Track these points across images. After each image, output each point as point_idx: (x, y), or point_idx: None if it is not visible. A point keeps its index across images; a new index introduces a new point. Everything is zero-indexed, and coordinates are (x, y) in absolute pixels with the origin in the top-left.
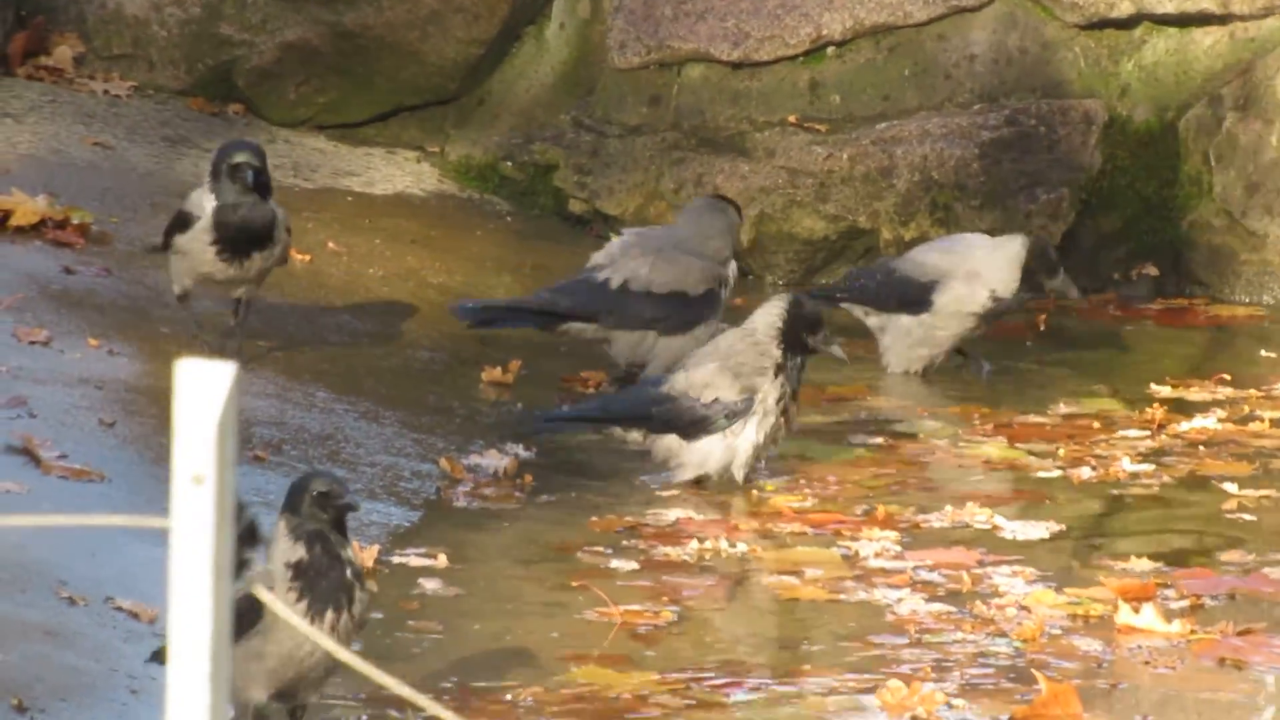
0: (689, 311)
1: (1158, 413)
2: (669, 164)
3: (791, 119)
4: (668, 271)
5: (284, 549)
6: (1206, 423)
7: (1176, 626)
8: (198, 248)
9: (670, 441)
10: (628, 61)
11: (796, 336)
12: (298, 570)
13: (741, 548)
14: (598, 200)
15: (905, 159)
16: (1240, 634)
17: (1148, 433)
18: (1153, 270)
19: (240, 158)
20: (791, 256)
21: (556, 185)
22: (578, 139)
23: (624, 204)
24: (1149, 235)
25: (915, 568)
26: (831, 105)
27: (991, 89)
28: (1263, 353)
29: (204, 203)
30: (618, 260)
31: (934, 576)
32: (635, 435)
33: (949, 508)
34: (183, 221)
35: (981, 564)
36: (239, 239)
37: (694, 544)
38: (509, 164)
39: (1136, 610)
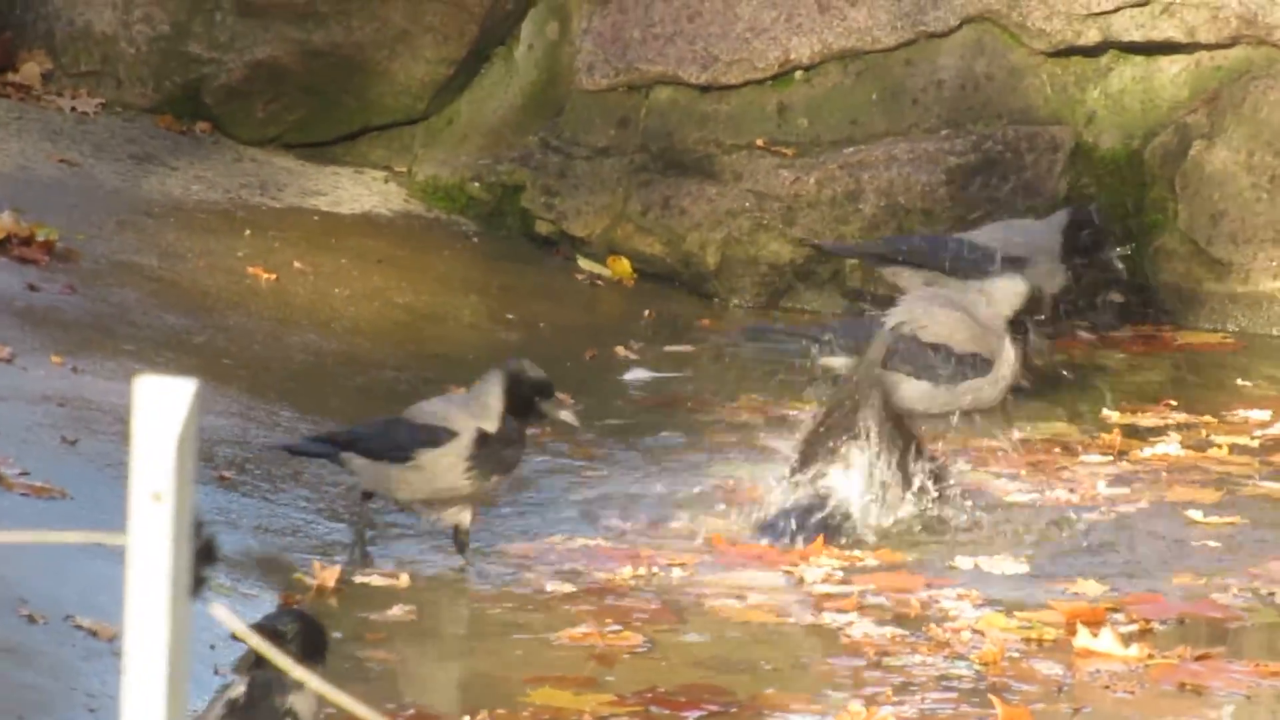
0: None
1: (1116, 438)
2: (636, 186)
3: (759, 142)
4: None
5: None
6: (1168, 449)
7: (1135, 650)
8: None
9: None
10: (596, 84)
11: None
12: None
13: (677, 572)
14: (564, 221)
15: (872, 183)
16: (1198, 659)
17: (1109, 458)
18: (1118, 297)
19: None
20: (757, 280)
21: (523, 206)
22: (545, 160)
23: (591, 226)
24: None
25: (861, 591)
26: (799, 129)
27: (958, 115)
28: (1239, 381)
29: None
30: None
31: (882, 600)
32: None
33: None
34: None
35: (929, 587)
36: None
37: (627, 568)
38: (476, 185)
39: (1095, 634)
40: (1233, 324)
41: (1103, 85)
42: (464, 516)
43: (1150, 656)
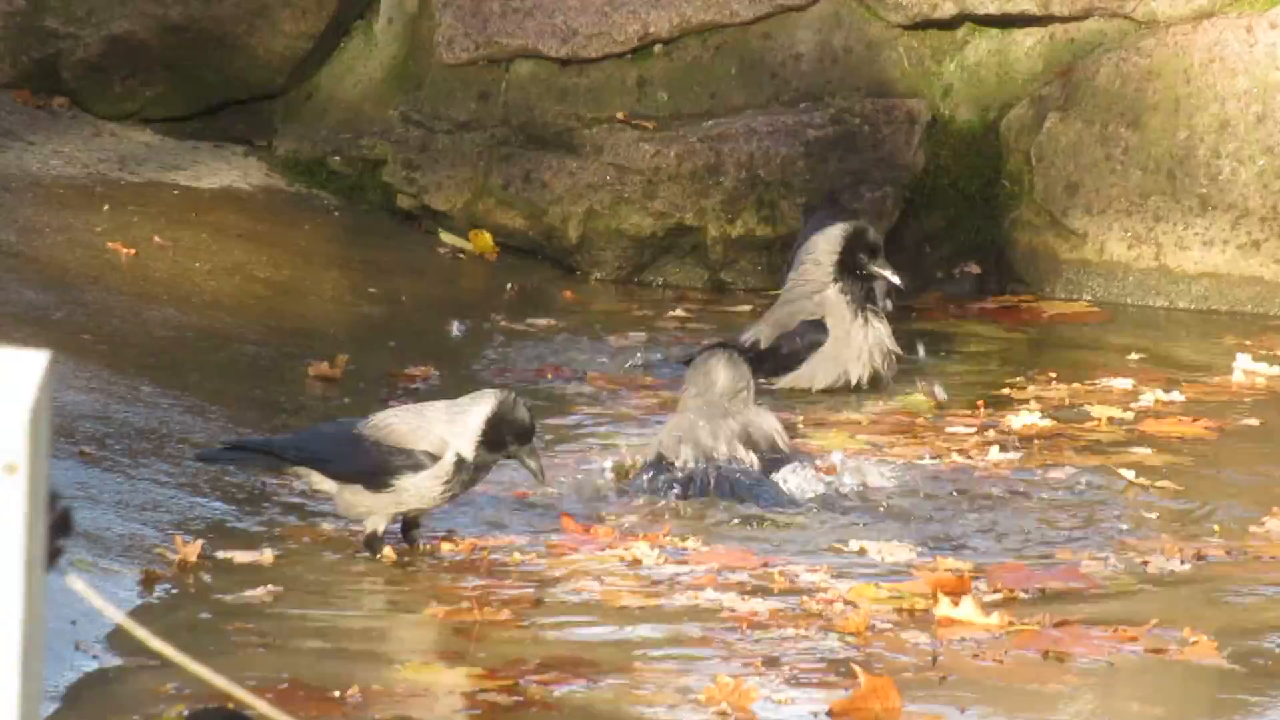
0: None
1: (980, 409)
2: (497, 160)
3: (620, 116)
4: None
5: None
6: (1035, 419)
7: (995, 619)
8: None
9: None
10: (456, 57)
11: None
12: None
13: (517, 554)
14: (426, 196)
15: (732, 156)
16: (1057, 625)
17: (972, 429)
18: (975, 268)
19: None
20: (619, 253)
21: (385, 180)
22: (406, 134)
23: (452, 200)
24: (971, 234)
25: (727, 566)
26: (659, 103)
27: (817, 88)
28: (1101, 350)
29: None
30: None
31: (751, 575)
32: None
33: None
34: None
35: (798, 560)
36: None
37: (487, 545)
38: (337, 159)
39: (955, 603)
40: (1088, 293)
41: (959, 58)
42: (380, 523)
43: (1010, 624)
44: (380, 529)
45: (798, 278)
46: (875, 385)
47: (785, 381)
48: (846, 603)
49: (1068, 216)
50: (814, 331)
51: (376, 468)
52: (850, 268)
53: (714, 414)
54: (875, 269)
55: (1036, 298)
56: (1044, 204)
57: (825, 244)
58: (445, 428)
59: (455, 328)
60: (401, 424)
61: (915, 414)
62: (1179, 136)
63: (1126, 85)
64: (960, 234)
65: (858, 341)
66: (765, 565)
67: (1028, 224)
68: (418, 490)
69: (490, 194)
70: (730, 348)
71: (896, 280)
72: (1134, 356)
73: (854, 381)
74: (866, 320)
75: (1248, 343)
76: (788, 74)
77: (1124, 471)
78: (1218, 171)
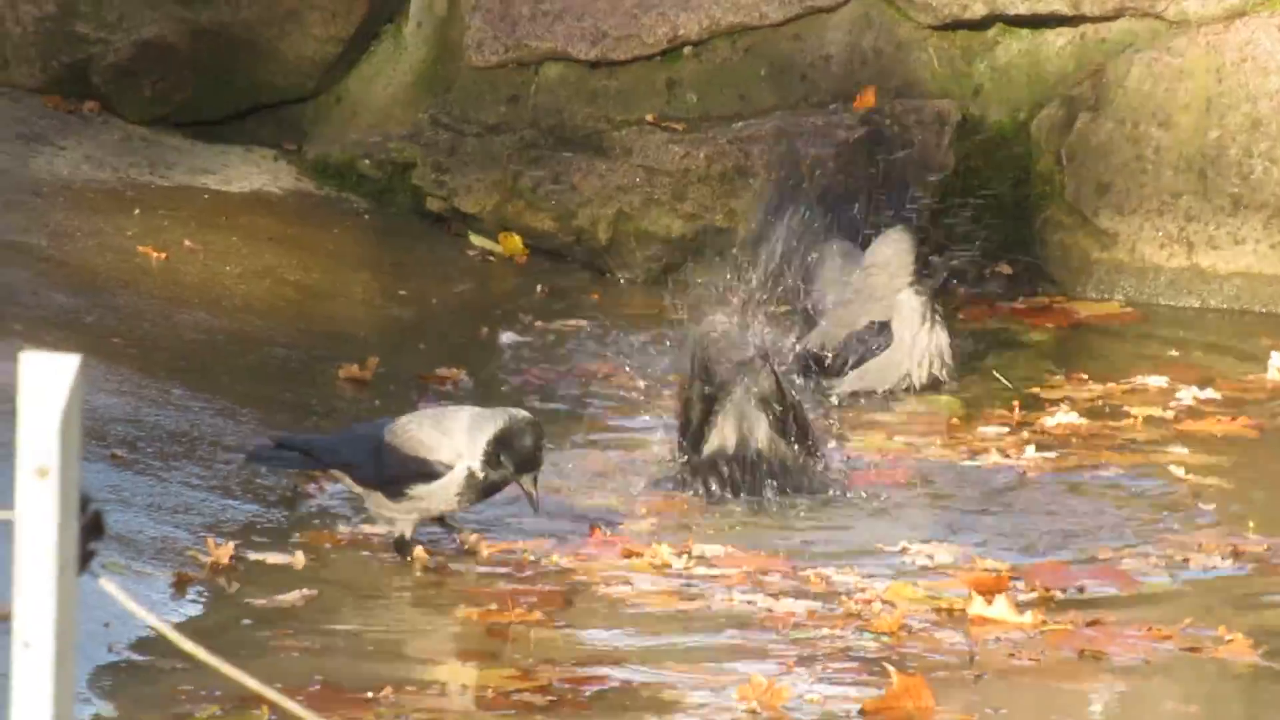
0: None
1: (1015, 408)
2: (527, 162)
3: (649, 118)
4: None
5: None
6: (1070, 418)
7: (1029, 617)
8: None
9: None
10: (485, 60)
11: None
12: None
13: (553, 556)
14: (455, 198)
15: (762, 158)
16: (1090, 624)
17: (1007, 429)
18: (1005, 269)
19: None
20: (649, 255)
21: (414, 183)
22: (435, 137)
23: (482, 202)
24: (1002, 234)
25: (763, 570)
26: (688, 104)
27: (847, 89)
28: (1136, 349)
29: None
30: None
31: (787, 575)
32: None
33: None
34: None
35: (833, 560)
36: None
37: (520, 548)
38: (366, 162)
39: (989, 602)
40: (1120, 293)
41: (989, 59)
42: (406, 527)
43: (1044, 623)
44: (407, 533)
45: (861, 281)
46: (934, 389)
47: (848, 384)
48: (884, 602)
49: (1099, 217)
50: (882, 334)
51: (392, 476)
52: (920, 270)
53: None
54: (938, 264)
55: (1068, 298)
56: (1075, 204)
57: (893, 248)
58: (464, 438)
59: (504, 337)
60: (420, 431)
61: (945, 415)
62: (1210, 136)
63: (1158, 85)
64: (991, 235)
65: (922, 345)
66: (799, 567)
67: (1059, 224)
68: (431, 497)
69: (520, 196)
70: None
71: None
72: (1168, 355)
73: (915, 386)
74: (933, 325)
75: None
76: (817, 75)
77: (1174, 469)
78: (1249, 171)
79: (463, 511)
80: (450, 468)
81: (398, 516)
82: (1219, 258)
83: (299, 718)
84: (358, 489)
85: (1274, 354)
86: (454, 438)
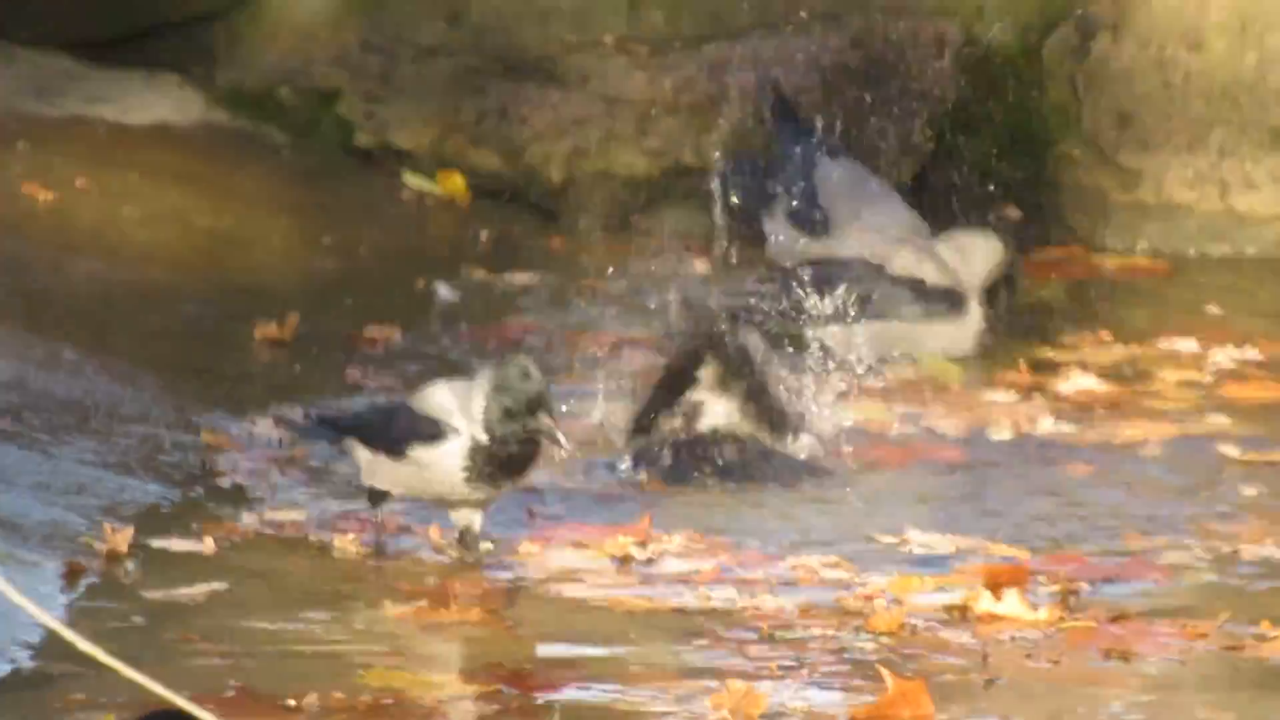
0: None
1: (1024, 373)
2: (469, 91)
3: (608, 40)
4: None
5: None
6: (1088, 383)
7: (1043, 614)
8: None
9: None
10: None
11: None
12: None
13: (488, 545)
14: (388, 132)
15: (737, 86)
16: (1114, 620)
17: (1017, 396)
18: (1014, 212)
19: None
20: (609, 198)
21: (341, 115)
22: (365, 62)
23: (418, 137)
24: (1010, 173)
25: (738, 560)
26: (654, 24)
27: (833, 7)
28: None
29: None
30: None
31: (772, 567)
32: None
33: None
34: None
35: (828, 548)
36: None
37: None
38: (286, 90)
39: (998, 598)
40: (1144, 240)
41: None
42: (473, 519)
43: (1061, 620)
44: (471, 525)
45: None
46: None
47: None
48: (885, 598)
49: (1120, 152)
50: (944, 299)
51: (400, 433)
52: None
53: None
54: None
55: (1086, 247)
56: (1093, 138)
57: (986, 256)
58: (463, 408)
59: (441, 291)
60: (439, 394)
61: (945, 381)
62: (1247, 60)
63: (1187, 2)
64: (997, 173)
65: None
66: (782, 556)
67: (1074, 161)
68: (434, 466)
69: (461, 130)
70: None
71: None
72: (1201, 312)
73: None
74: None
75: None
76: None
77: (1214, 444)
78: None
79: (481, 507)
80: (457, 431)
81: (396, 486)
82: (1257, 199)
83: None
84: (363, 456)
85: None
86: (463, 406)
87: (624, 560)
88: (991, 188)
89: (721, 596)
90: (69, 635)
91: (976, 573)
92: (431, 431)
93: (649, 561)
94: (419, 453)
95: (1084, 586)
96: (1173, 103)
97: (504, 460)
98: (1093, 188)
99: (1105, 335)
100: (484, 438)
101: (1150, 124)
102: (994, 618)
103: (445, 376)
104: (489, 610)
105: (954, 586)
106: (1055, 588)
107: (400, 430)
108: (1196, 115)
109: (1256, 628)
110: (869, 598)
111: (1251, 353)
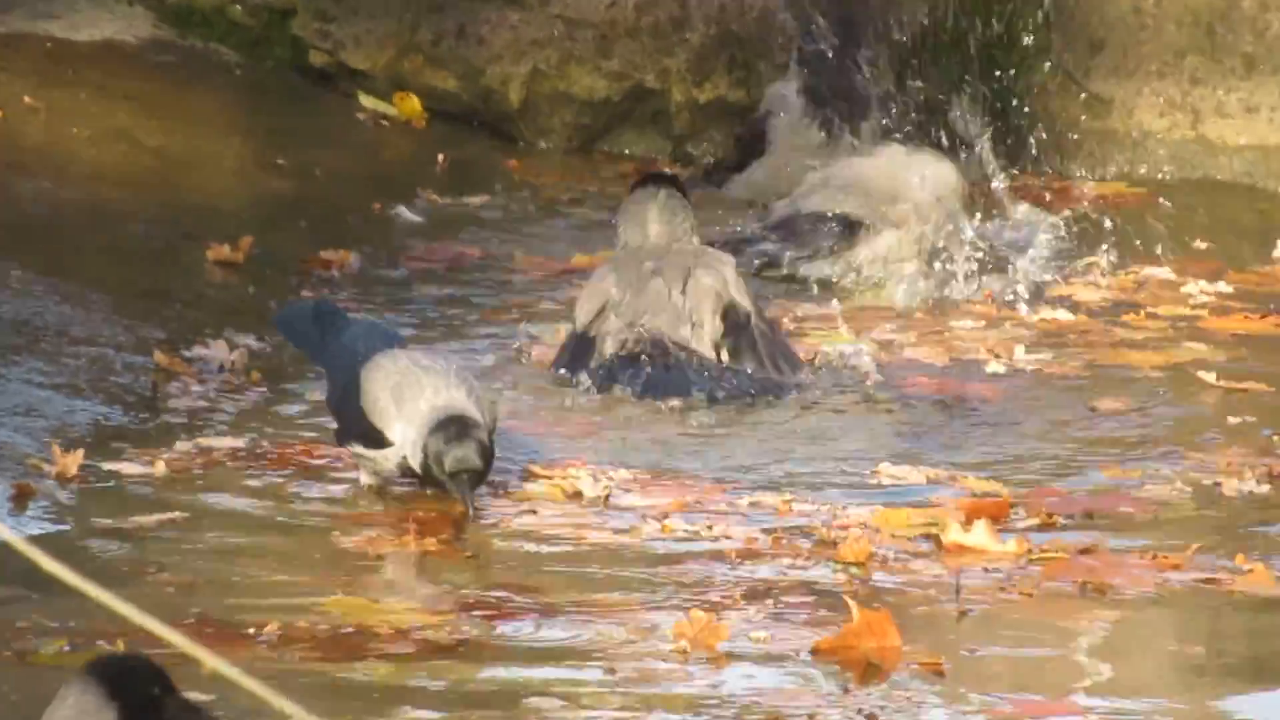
0: None
1: (990, 300)
2: (426, 11)
3: None
4: None
5: None
6: (1059, 314)
7: (1011, 545)
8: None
9: None
10: None
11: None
12: None
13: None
14: (342, 51)
15: (700, 8)
16: (1084, 552)
17: (984, 323)
18: (984, 136)
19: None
20: (569, 120)
21: (294, 33)
22: None
23: (374, 57)
24: (978, 99)
25: (680, 498)
26: None
27: None
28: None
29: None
30: None
31: (745, 495)
32: None
33: None
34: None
35: (798, 479)
36: None
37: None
38: (238, 7)
39: (967, 528)
40: (1113, 167)
41: None
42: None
43: (1029, 551)
44: (361, 479)
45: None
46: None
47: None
48: (865, 529)
49: (1090, 79)
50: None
51: (345, 426)
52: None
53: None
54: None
55: (1058, 175)
56: (1062, 64)
57: (951, 183)
58: (416, 419)
59: (404, 213)
60: (382, 392)
61: (909, 307)
62: None
63: None
64: (965, 100)
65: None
66: (748, 489)
67: (1043, 88)
68: (374, 463)
69: (418, 50)
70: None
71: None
72: (1173, 241)
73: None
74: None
75: None
76: None
77: (1203, 374)
78: (1265, 26)
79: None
80: (391, 445)
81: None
82: (1228, 127)
83: (185, 655)
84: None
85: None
86: (406, 414)
87: (574, 495)
88: (960, 114)
89: (684, 528)
90: (33, 553)
91: (957, 506)
92: (373, 436)
93: (603, 499)
94: (360, 450)
95: (1060, 521)
96: (1144, 29)
97: (434, 482)
98: (1062, 114)
99: (1078, 264)
100: (414, 461)
101: (1121, 50)
102: (962, 548)
103: (401, 348)
104: (443, 540)
105: (935, 519)
106: (1036, 520)
107: (346, 420)
108: (1168, 41)
109: (1232, 560)
110: (845, 527)
111: (1222, 285)
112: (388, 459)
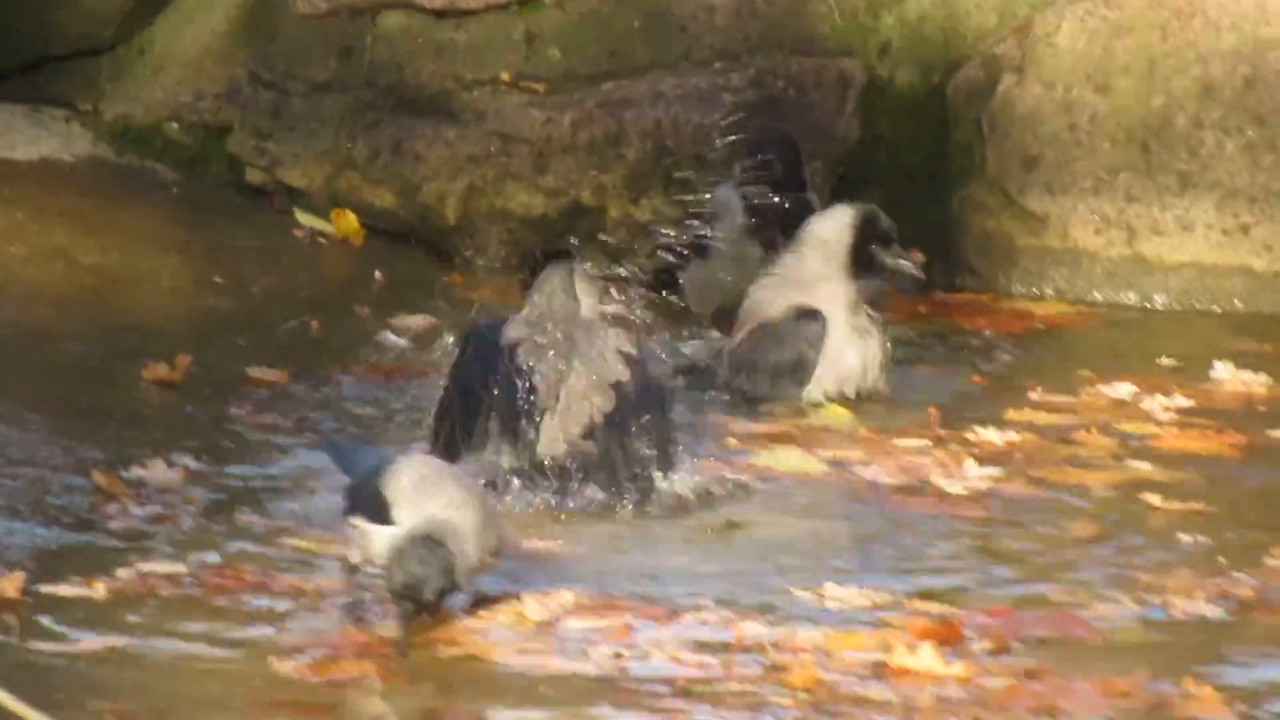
0: None
1: (934, 418)
2: (362, 128)
3: (504, 77)
4: None
5: None
6: (1004, 434)
7: (958, 669)
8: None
9: None
10: (313, 7)
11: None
12: None
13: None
14: (279, 169)
15: (636, 125)
16: (1029, 675)
17: (925, 442)
18: (918, 256)
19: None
20: (505, 237)
21: (231, 151)
22: (255, 97)
23: (310, 174)
24: (914, 216)
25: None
26: (550, 61)
27: (734, 45)
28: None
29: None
30: None
31: (682, 619)
32: None
33: None
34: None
35: (758, 597)
36: None
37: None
38: (175, 126)
39: (912, 651)
40: (1049, 286)
41: (898, 11)
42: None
43: (977, 674)
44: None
45: (789, 263)
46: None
47: (759, 385)
48: (817, 653)
49: (1025, 196)
50: (812, 323)
51: (350, 501)
52: (863, 261)
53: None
54: (890, 261)
55: (991, 293)
56: (998, 181)
57: (835, 228)
58: (393, 527)
59: (389, 336)
60: (394, 481)
61: (842, 428)
62: (1154, 103)
63: (1093, 43)
64: (901, 216)
65: (859, 348)
66: (691, 610)
67: (979, 204)
68: (369, 549)
69: (354, 167)
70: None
71: (918, 273)
72: (1110, 360)
73: (850, 395)
74: (869, 326)
75: (1238, 344)
76: (700, 28)
77: (1143, 494)
78: (1199, 144)
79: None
80: (392, 525)
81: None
82: (1164, 245)
83: None
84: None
85: (1216, 364)
86: (415, 506)
87: (518, 619)
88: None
89: (633, 654)
90: None
91: (906, 628)
92: (379, 510)
93: (547, 624)
94: (359, 521)
95: (1015, 645)
96: (1079, 146)
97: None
98: (997, 231)
99: (1023, 384)
100: (381, 559)
101: (1056, 167)
102: (906, 671)
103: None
104: (385, 667)
105: (885, 643)
106: (989, 644)
107: (358, 494)
108: (1103, 159)
109: (1181, 686)
110: (796, 651)
111: (1173, 399)
112: (380, 539)
